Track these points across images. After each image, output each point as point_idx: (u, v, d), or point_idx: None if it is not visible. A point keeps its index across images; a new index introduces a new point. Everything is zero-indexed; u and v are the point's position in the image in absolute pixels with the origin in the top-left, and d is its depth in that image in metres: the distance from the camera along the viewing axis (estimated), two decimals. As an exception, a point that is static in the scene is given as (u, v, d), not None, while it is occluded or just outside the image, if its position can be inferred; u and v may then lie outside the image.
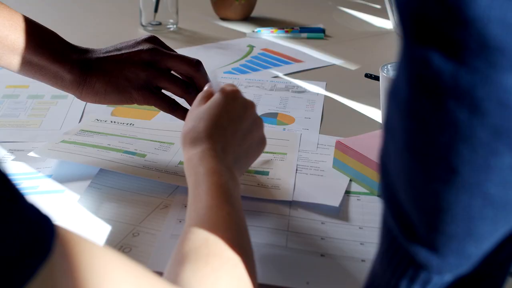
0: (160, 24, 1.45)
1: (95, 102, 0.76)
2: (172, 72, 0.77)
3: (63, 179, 0.73)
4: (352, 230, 0.67)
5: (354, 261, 0.61)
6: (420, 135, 0.35)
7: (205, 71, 0.77)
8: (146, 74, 0.74)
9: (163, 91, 0.77)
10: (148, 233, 0.65)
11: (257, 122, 0.66)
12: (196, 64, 0.76)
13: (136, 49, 0.75)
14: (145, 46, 0.75)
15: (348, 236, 0.65)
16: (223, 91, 0.64)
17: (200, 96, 0.67)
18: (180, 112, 0.77)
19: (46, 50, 0.74)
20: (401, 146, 0.37)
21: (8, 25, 0.72)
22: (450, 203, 0.35)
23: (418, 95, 0.35)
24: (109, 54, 0.75)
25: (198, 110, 0.63)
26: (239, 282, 0.45)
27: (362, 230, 0.67)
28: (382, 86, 0.86)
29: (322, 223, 0.67)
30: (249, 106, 0.65)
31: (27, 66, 0.74)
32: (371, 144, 0.76)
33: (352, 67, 1.25)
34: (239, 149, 0.62)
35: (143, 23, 1.45)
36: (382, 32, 1.53)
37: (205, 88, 0.69)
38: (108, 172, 0.75)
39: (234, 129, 0.62)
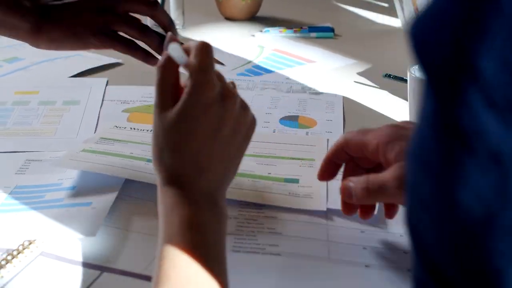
0: (165, 25, 1.41)
1: (50, 48, 0.76)
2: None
3: (88, 191, 0.70)
4: (393, 238, 0.64)
5: (400, 271, 0.59)
6: (475, 212, 0.29)
7: (164, 10, 0.78)
8: (103, 19, 0.74)
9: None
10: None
11: (240, 119, 0.53)
12: (153, 3, 0.76)
13: None
14: None
15: (390, 245, 0.63)
16: (194, 86, 0.49)
17: (163, 84, 0.51)
18: (140, 53, 0.78)
19: None
20: (442, 221, 0.31)
21: None
22: None
23: (466, 166, 0.28)
24: (64, 0, 0.75)
25: (165, 123, 0.50)
26: None
27: (403, 238, 0.64)
28: (411, 87, 0.84)
29: (361, 231, 0.65)
30: (227, 107, 0.51)
31: None
32: (405, 148, 0.74)
33: (365, 66, 1.22)
34: (222, 165, 0.52)
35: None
36: (391, 30, 1.51)
37: (162, 59, 0.52)
38: (134, 183, 0.72)
39: (211, 148, 0.51)
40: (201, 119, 0.50)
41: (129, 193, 0.71)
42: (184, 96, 0.50)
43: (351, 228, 0.66)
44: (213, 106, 0.50)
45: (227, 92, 0.51)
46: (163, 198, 0.50)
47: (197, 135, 0.50)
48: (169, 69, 0.51)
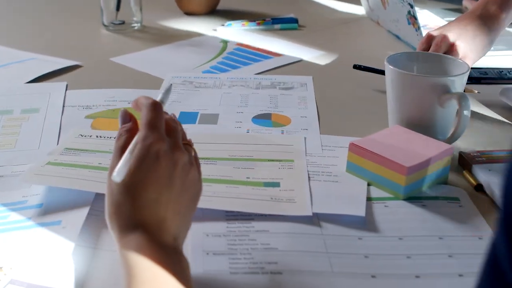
0: (123, 23, 1.36)
1: None
2: None
3: (57, 208, 0.65)
4: (392, 242, 0.61)
5: (408, 278, 0.56)
6: None
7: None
8: None
9: None
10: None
11: (187, 173, 0.53)
12: None
13: None
14: None
15: (391, 250, 0.60)
16: (144, 140, 0.52)
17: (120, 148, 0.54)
18: None
19: None
20: None
21: None
22: None
23: None
24: None
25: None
26: None
27: (403, 241, 0.61)
28: (388, 78, 0.81)
29: (359, 238, 0.62)
30: (176, 158, 0.52)
31: None
32: (388, 144, 0.71)
33: (333, 57, 1.20)
34: (178, 216, 0.52)
35: (105, 23, 1.36)
36: (354, 18, 1.48)
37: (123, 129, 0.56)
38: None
39: (168, 198, 0.51)
40: (153, 170, 0.51)
41: (101, 208, 0.66)
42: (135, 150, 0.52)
43: (347, 235, 0.62)
44: (163, 158, 0.52)
45: (176, 146, 0.54)
46: (125, 246, 0.49)
47: (151, 185, 0.51)
48: (129, 137, 0.54)
